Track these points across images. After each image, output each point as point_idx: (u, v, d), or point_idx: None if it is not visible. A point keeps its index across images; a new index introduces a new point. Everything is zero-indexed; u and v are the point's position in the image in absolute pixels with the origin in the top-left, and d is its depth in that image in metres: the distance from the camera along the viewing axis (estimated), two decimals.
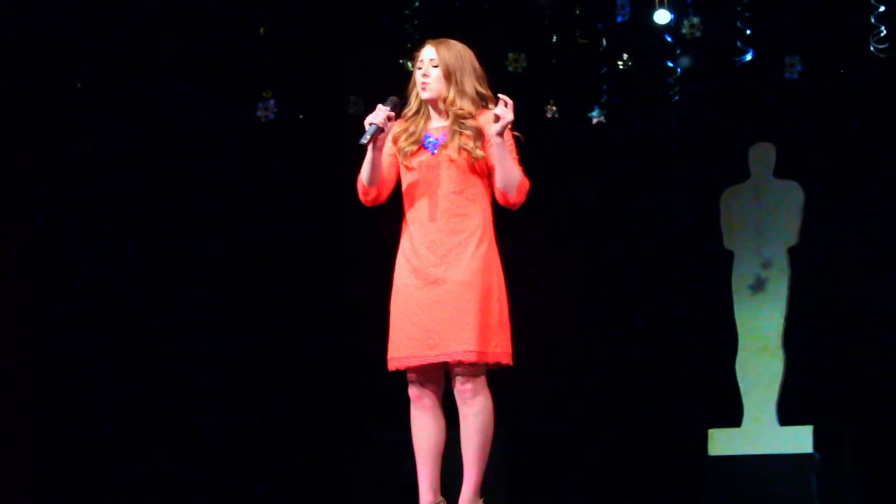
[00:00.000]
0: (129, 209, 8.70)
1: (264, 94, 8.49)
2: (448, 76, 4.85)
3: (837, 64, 8.07)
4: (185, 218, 8.82)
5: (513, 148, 4.82)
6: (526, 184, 4.80)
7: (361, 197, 4.93)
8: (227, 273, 8.91)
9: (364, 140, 4.75)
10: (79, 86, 8.35)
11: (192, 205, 8.83)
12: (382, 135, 4.81)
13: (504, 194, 4.80)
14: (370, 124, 4.77)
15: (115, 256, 8.65)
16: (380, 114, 4.78)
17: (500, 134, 4.72)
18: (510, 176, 4.77)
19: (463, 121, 4.80)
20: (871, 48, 7.49)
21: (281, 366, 8.90)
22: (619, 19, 8.03)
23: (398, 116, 4.89)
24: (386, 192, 4.92)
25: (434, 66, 4.87)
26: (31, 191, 8.28)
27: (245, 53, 8.44)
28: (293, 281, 9.00)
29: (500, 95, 4.75)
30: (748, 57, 7.99)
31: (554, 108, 8.47)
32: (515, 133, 4.87)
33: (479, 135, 4.80)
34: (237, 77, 8.54)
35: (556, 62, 8.33)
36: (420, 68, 4.90)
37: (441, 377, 4.84)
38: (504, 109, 4.70)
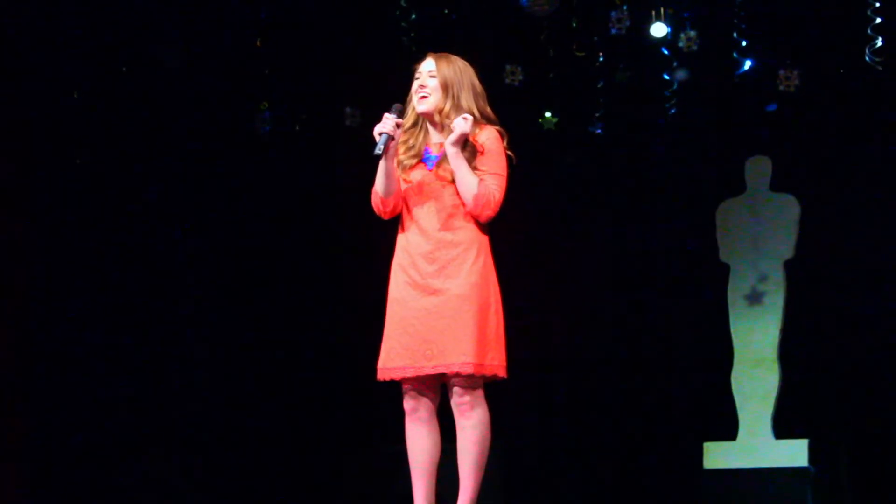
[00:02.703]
0: (126, 216, 8.69)
1: (261, 105, 8.51)
2: (445, 89, 4.84)
3: (834, 76, 8.08)
4: (183, 228, 8.81)
5: (493, 164, 4.79)
6: (485, 197, 4.74)
7: (380, 209, 4.88)
8: (225, 283, 8.91)
9: (378, 151, 4.72)
10: (75, 95, 8.35)
11: (190, 215, 8.83)
12: (393, 143, 4.80)
13: (465, 204, 4.78)
14: (380, 134, 4.75)
15: (112, 263, 8.64)
16: (388, 122, 4.76)
17: (455, 144, 4.73)
18: (462, 186, 4.75)
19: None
20: (867, 58, 7.50)
21: (277, 376, 8.89)
22: (613, 31, 8.04)
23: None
24: (401, 202, 4.89)
25: (432, 76, 4.86)
26: (29, 196, 8.28)
27: (242, 65, 8.44)
28: (289, 292, 9.00)
29: (464, 115, 4.75)
30: (747, 66, 8.00)
31: (552, 120, 8.51)
32: (509, 153, 4.86)
33: (474, 152, 4.79)
34: (233, 89, 8.55)
35: (552, 75, 8.34)
36: (418, 78, 4.89)
37: (437, 389, 4.83)
38: (462, 122, 4.71)
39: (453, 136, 4.73)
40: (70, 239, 8.49)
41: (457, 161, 4.75)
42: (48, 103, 8.33)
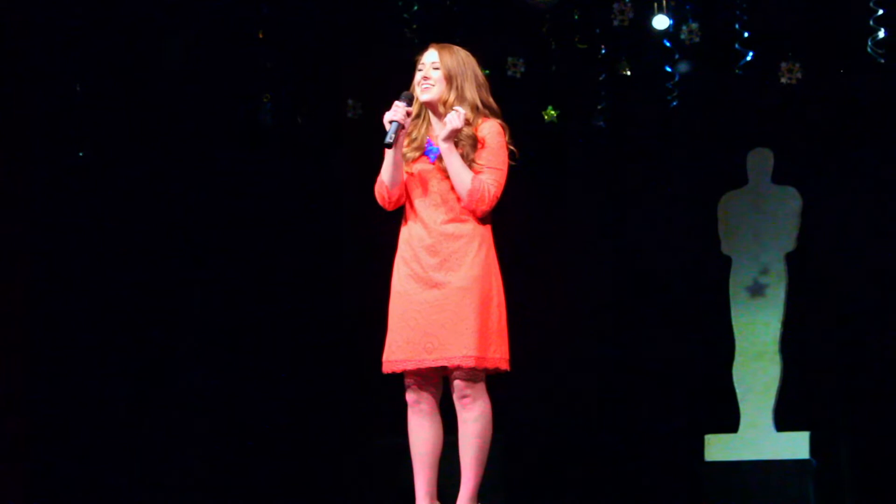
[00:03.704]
0: (127, 211, 8.67)
1: (263, 98, 8.50)
2: (449, 80, 4.84)
3: (836, 68, 8.08)
4: (183, 221, 8.79)
5: (492, 158, 4.78)
6: (479, 192, 4.74)
7: (384, 199, 4.87)
8: (226, 277, 8.89)
9: (390, 139, 4.72)
10: (78, 89, 8.34)
11: (191, 208, 8.81)
12: (403, 131, 4.80)
13: (460, 199, 4.79)
14: (391, 122, 4.74)
15: (114, 258, 8.61)
16: (399, 111, 4.76)
17: (446, 139, 4.73)
18: (456, 180, 4.76)
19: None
20: (869, 49, 7.50)
21: (279, 370, 8.89)
22: (615, 23, 8.04)
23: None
24: (404, 194, 4.89)
25: (435, 68, 4.85)
26: (30, 193, 8.26)
27: (244, 58, 8.44)
28: (291, 285, 8.99)
29: (455, 108, 4.75)
30: (749, 57, 8.00)
31: (552, 114, 8.52)
32: (511, 148, 4.86)
33: (474, 145, 4.79)
34: (236, 81, 8.54)
35: (554, 67, 8.34)
36: (421, 70, 4.89)
37: (439, 382, 4.84)
38: (454, 117, 4.71)
39: (445, 132, 4.74)
40: (70, 232, 8.46)
41: (450, 156, 4.75)
42: (50, 97, 8.31)
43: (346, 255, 8.94)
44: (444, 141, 4.74)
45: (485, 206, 4.78)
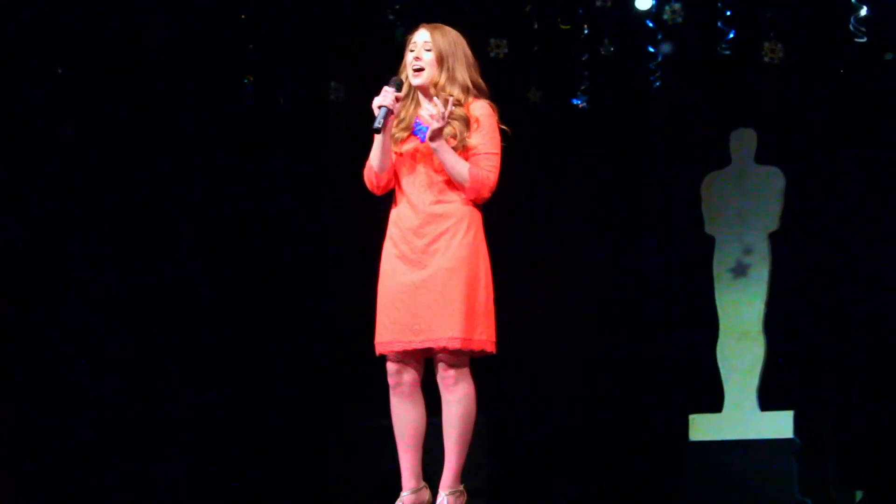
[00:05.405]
0: (108, 195, 8.65)
1: (245, 79, 8.48)
2: (441, 61, 4.81)
3: (818, 47, 8.09)
4: (165, 205, 8.78)
5: (487, 142, 4.77)
6: (479, 181, 4.74)
7: (373, 185, 4.86)
8: (210, 259, 8.87)
9: (378, 125, 4.70)
10: (59, 71, 8.30)
11: (173, 191, 8.79)
12: (392, 117, 4.78)
13: (462, 189, 4.78)
14: (380, 107, 4.73)
15: (94, 243, 8.60)
16: (388, 96, 4.74)
17: (435, 139, 4.71)
18: (454, 175, 4.75)
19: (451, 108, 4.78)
20: (851, 27, 7.50)
21: (263, 352, 8.88)
22: (598, 4, 8.03)
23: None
24: (393, 178, 4.88)
25: (427, 49, 4.83)
26: (9, 178, 8.22)
27: (226, 39, 8.41)
28: (275, 268, 8.97)
29: (440, 98, 4.73)
30: (731, 36, 8.00)
31: (536, 95, 8.51)
32: (503, 126, 4.85)
33: (467, 123, 4.78)
34: (218, 62, 8.51)
35: (537, 48, 8.33)
36: (412, 51, 4.86)
37: (420, 363, 4.83)
38: (436, 117, 4.69)
39: (430, 131, 4.71)
40: (50, 220, 8.43)
41: (443, 154, 4.73)
42: (30, 80, 8.27)
43: (332, 236, 8.92)
44: (434, 141, 4.71)
45: (486, 194, 4.79)
